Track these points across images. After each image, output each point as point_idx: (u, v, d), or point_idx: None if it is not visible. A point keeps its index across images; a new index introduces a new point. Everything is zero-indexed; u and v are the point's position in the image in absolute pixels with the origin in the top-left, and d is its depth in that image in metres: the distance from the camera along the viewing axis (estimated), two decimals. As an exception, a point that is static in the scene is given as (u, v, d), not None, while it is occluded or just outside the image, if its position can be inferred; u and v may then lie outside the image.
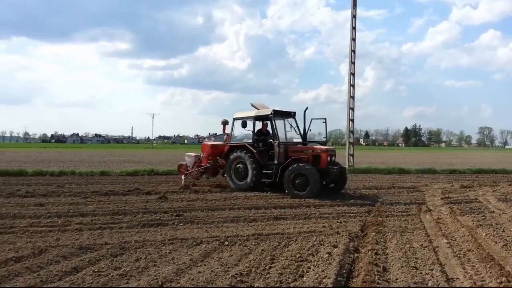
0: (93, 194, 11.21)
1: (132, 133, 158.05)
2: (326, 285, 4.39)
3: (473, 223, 8.17)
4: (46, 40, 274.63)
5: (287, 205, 10.10)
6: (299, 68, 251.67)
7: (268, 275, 4.79)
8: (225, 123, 13.82)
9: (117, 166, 21.51)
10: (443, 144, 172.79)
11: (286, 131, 13.59)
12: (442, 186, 14.82)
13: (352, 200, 10.98)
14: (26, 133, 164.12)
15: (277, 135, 12.41)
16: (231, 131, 13.41)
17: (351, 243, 6.39)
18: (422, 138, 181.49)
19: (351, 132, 21.63)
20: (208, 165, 13.86)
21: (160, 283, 4.44)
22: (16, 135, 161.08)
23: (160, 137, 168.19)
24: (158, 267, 5.06)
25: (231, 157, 12.90)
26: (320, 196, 11.17)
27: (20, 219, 7.80)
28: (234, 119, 13.26)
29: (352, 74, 21.38)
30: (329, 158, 11.92)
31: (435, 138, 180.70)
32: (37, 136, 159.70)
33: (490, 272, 5.06)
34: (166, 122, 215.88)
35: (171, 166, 20.10)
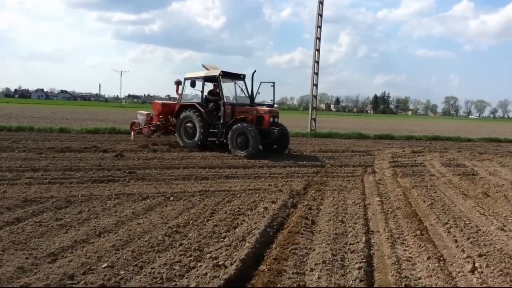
0: (48, 150, 11.15)
1: (99, 90, 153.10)
2: (254, 234, 4.76)
3: (410, 184, 8.79)
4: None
5: (241, 165, 10.43)
6: (274, 30, 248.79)
7: (204, 227, 5.12)
8: (178, 83, 13.97)
9: (79, 124, 21.18)
10: (409, 112, 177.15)
11: (236, 93, 13.85)
12: (394, 151, 15.53)
13: (304, 162, 11.44)
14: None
15: (223, 95, 12.79)
16: (182, 90, 13.67)
17: (291, 199, 6.80)
18: (390, 106, 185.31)
19: (314, 97, 21.98)
20: (158, 123, 14.07)
21: (98, 233, 4.69)
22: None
23: (129, 96, 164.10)
24: (99, 219, 5.29)
25: (181, 116, 13.29)
26: (265, 157, 11.86)
27: (-32, 172, 7.77)
28: (185, 79, 13.48)
29: (318, 38, 21.45)
30: (271, 119, 12.42)
31: (402, 106, 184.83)
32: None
33: (410, 227, 5.57)
34: (136, 80, 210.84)
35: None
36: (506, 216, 6.38)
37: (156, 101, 15.97)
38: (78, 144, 12.83)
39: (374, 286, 3.71)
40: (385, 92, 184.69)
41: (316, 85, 21.64)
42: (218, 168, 9.90)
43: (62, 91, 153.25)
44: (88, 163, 9.50)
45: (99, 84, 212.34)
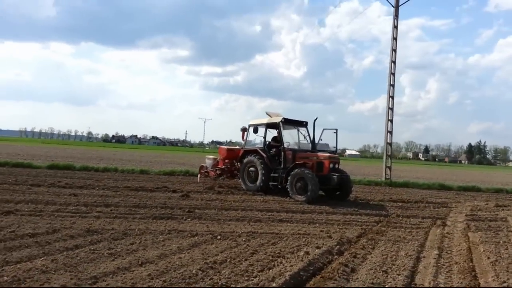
0: (124, 189, 12.19)
1: (186, 136, 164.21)
2: (285, 276, 4.74)
3: (479, 239, 8.03)
4: (113, 45, 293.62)
5: (299, 210, 10.41)
6: (356, 78, 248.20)
7: (240, 265, 5.22)
8: (244, 129, 14.53)
9: (161, 166, 22.76)
10: (510, 163, 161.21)
11: (299, 139, 14.06)
12: (475, 204, 14.28)
13: (367, 210, 11.05)
14: (89, 133, 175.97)
15: (283, 141, 13.15)
16: (246, 136, 14.27)
17: (338, 246, 6.61)
18: (487, 156, 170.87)
19: (389, 144, 21.29)
20: (224, 167, 14.72)
21: (140, 263, 5.04)
22: (80, 134, 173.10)
23: (213, 141, 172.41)
24: (146, 251, 5.67)
25: (244, 160, 13.81)
26: (325, 203, 11.74)
27: (51, 205, 8.82)
28: (249, 125, 14.13)
29: (392, 85, 21.12)
30: (331, 165, 12.47)
31: (501, 156, 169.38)
32: (99, 136, 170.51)
33: (460, 283, 5.12)
34: (219, 127, 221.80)
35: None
36: None
37: (222, 146, 16.80)
38: (151, 184, 13.83)
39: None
40: (480, 141, 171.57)
41: (390, 132, 21.03)
42: (276, 211, 9.99)
43: (153, 137, 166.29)
44: (155, 201, 10.20)
45: (186, 131, 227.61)
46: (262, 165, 13.16)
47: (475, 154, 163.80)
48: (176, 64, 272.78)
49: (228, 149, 15.40)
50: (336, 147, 13.81)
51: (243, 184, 13.91)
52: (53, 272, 4.46)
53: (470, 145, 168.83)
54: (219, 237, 6.82)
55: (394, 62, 21.25)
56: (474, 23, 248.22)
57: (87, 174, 16.38)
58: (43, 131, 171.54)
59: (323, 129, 13.35)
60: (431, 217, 10.71)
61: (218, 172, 15.15)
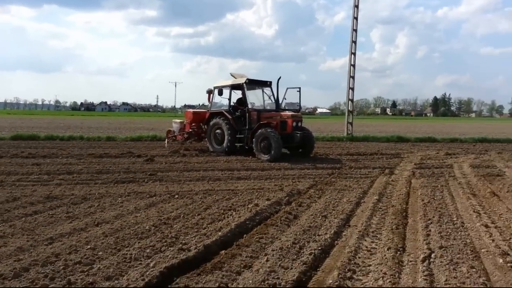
0: (89, 156, 12.32)
1: (157, 101, 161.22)
2: (230, 225, 5.22)
3: (420, 185, 8.77)
4: (76, 7, 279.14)
5: (259, 168, 10.90)
6: (328, 35, 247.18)
7: (192, 219, 5.66)
8: (209, 92, 14.65)
9: (131, 133, 22.69)
10: (473, 115, 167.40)
11: (264, 99, 14.36)
12: (427, 154, 15.19)
13: (323, 164, 11.66)
14: (57, 101, 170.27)
15: (247, 102, 13.42)
16: (212, 99, 14.37)
17: (287, 198, 7.15)
18: (452, 108, 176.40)
19: (351, 100, 21.92)
20: (190, 130, 14.97)
21: (96, 223, 5.40)
22: (48, 103, 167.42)
23: (185, 105, 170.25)
24: (104, 212, 6.02)
25: (211, 123, 14.08)
26: (291, 160, 12.20)
27: (13, 175, 8.92)
28: (214, 88, 14.22)
29: (354, 42, 21.45)
30: (295, 124, 12.80)
31: (465, 108, 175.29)
32: (67, 104, 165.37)
33: (391, 223, 5.74)
34: (192, 90, 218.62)
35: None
36: (501, 214, 6.30)
37: (188, 110, 16.94)
38: (117, 150, 13.96)
39: (318, 269, 4.03)
40: (445, 94, 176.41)
41: (352, 89, 21.59)
42: (236, 170, 10.42)
43: (123, 103, 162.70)
44: (118, 167, 10.43)
45: (157, 96, 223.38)
46: (227, 127, 13.43)
47: (440, 106, 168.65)
48: (145, 25, 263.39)
49: (194, 112, 15.56)
50: (300, 105, 14.18)
51: (210, 146, 14.23)
52: (11, 237, 4.76)
53: (435, 98, 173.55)
54: (176, 196, 7.23)
55: (356, 18, 21.48)
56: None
57: (52, 143, 16.26)
58: (8, 101, 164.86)
59: (287, 88, 13.71)
60: (381, 167, 11.43)
61: (185, 135, 15.35)
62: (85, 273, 3.73)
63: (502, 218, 6.04)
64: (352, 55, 21.47)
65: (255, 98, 14.48)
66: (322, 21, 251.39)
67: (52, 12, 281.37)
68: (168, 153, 13.45)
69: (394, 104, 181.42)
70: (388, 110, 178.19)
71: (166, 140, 15.52)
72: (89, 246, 4.43)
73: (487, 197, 7.55)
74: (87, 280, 3.57)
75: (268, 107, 14.32)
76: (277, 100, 13.80)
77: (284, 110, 13.75)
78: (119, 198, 6.96)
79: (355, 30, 21.60)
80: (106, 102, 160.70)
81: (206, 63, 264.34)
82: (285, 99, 13.97)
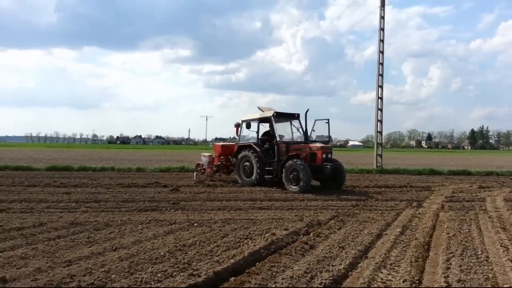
0: (116, 186, 12.69)
1: (189, 134, 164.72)
2: (244, 254, 5.20)
3: (448, 218, 8.45)
4: (115, 48, 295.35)
5: (281, 198, 10.85)
6: (358, 69, 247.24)
7: (207, 247, 5.68)
8: (237, 125, 14.85)
9: (159, 164, 23.21)
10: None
11: (292, 131, 14.41)
12: (459, 187, 14.66)
13: (349, 196, 11.46)
14: (94, 135, 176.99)
15: (276, 134, 13.45)
16: (240, 132, 14.57)
17: (306, 228, 7.05)
18: (491, 141, 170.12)
19: (379, 133, 21.66)
20: (219, 163, 15.07)
21: (114, 248, 5.52)
22: (86, 137, 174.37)
23: (216, 138, 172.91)
24: (123, 238, 6.14)
25: (239, 156, 14.14)
26: (317, 191, 12.05)
27: (43, 203, 9.32)
28: (242, 121, 14.39)
29: (381, 75, 21.44)
30: (324, 155, 12.63)
31: (504, 140, 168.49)
32: (104, 138, 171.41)
33: (412, 255, 5.54)
34: (223, 124, 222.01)
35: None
36: (532, 248, 5.96)
37: (216, 143, 17.17)
38: (144, 181, 14.31)
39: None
40: (483, 126, 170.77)
41: (380, 121, 21.39)
42: (259, 200, 10.41)
43: (157, 137, 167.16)
44: (144, 196, 10.68)
45: (189, 129, 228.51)
46: (256, 159, 13.43)
47: (478, 139, 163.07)
48: (179, 63, 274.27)
49: (223, 146, 15.74)
50: (329, 137, 13.98)
51: (239, 179, 14.16)
52: (32, 258, 4.95)
53: (472, 131, 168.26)
54: (195, 224, 7.29)
55: (382, 52, 21.57)
56: (474, 8, 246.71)
57: (84, 174, 16.90)
58: (49, 135, 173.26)
59: (315, 120, 13.61)
60: (409, 200, 11.10)
61: (214, 168, 15.50)
62: (96, 295, 3.81)
63: (532, 253, 5.71)
64: (379, 88, 21.40)
65: (283, 131, 14.54)
66: (351, 56, 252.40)
67: (92, 53, 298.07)
68: (194, 183, 13.64)
69: (429, 137, 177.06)
70: (423, 143, 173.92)
71: (195, 173, 15.61)
72: (103, 269, 4.54)
73: (519, 231, 7.16)
74: (96, 302, 3.64)
75: (298, 139, 14.34)
76: (305, 132, 13.80)
77: (314, 142, 13.72)
78: (140, 225, 7.10)
79: (381, 64, 21.64)
80: (140, 136, 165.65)
81: (237, 97, 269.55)
82: (314, 131, 13.92)
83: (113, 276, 4.37)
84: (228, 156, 15.30)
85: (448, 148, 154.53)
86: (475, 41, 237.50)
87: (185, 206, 9.27)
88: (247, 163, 13.95)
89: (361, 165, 24.45)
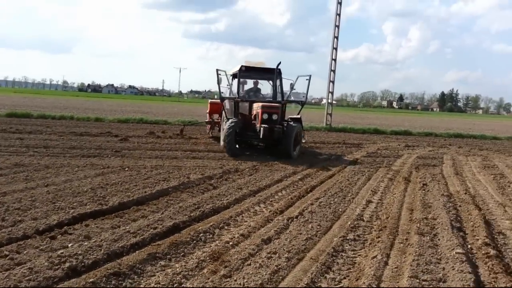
0: (70, 134, 13.57)
1: (163, 86, 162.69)
2: (152, 191, 6.41)
3: (350, 170, 9.89)
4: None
5: (220, 150, 11.97)
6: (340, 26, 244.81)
7: (126, 186, 6.83)
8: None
9: (121, 115, 23.87)
10: (480, 111, 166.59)
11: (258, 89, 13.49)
12: (387, 145, 16.22)
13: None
14: (65, 82, 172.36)
15: (233, 91, 12.63)
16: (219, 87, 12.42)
17: (221, 174, 8.29)
18: (459, 104, 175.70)
19: (331, 93, 22.94)
20: (210, 120, 15.05)
21: (46, 184, 6.61)
22: (56, 83, 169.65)
23: (191, 91, 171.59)
24: (57, 178, 7.22)
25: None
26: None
27: (-6, 147, 10.20)
28: (218, 73, 12.10)
29: (336, 37, 22.37)
30: (265, 116, 11.19)
31: (472, 104, 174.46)
32: (75, 85, 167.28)
33: (294, 195, 6.89)
34: (200, 76, 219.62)
35: (169, 117, 22.57)
36: (395, 196, 7.43)
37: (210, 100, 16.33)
38: (98, 130, 15.19)
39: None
40: (453, 89, 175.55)
41: (332, 82, 22.58)
42: (197, 151, 11.56)
43: (130, 86, 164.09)
44: (92, 144, 11.65)
45: (163, 80, 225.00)
46: (223, 117, 12.79)
47: (447, 102, 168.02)
48: (157, 9, 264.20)
49: (211, 103, 15.11)
50: (307, 94, 12.88)
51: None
52: (-27, 190, 6.00)
53: (442, 93, 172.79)
54: (126, 169, 8.41)
55: (339, 15, 22.37)
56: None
57: (42, 121, 17.56)
58: (17, 79, 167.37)
59: (298, 76, 12.42)
60: (332, 154, 12.59)
61: (208, 126, 15.46)
62: (19, 215, 4.95)
63: (388, 198, 7.16)
64: (334, 50, 22.40)
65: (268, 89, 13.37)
66: (334, 12, 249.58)
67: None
68: (144, 134, 14.64)
69: (401, 98, 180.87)
70: (394, 103, 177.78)
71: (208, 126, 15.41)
72: (31, 199, 5.65)
73: (399, 182, 8.63)
74: (17, 219, 4.79)
75: (260, 97, 13.02)
76: (274, 90, 12.74)
77: (267, 101, 12.35)
78: (76, 168, 8.16)
79: (338, 26, 22.52)
80: (113, 85, 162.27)
81: (215, 49, 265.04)
82: (294, 89, 12.67)
83: (37, 204, 5.49)
84: (218, 113, 14.25)
85: (418, 110, 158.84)
86: (457, 3, 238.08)
87: (126, 154, 10.34)
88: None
89: (314, 123, 25.85)
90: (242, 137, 11.77)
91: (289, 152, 11.22)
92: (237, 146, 11.53)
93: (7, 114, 19.10)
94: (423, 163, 11.56)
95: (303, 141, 13.17)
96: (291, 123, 11.81)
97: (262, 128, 11.07)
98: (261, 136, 11.22)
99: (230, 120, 11.59)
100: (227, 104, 12.64)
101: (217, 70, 11.95)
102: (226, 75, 12.21)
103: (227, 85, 12.62)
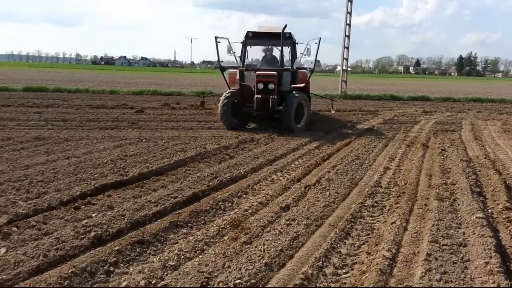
0: (86, 107, 13.70)
1: (175, 57, 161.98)
2: (170, 162, 6.49)
3: (368, 136, 9.82)
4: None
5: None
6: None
7: (145, 156, 6.93)
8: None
9: (136, 87, 23.92)
10: (499, 75, 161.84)
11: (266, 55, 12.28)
12: (406, 111, 15.98)
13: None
14: (77, 55, 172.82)
15: (237, 59, 11.95)
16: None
17: (237, 144, 8.34)
18: (478, 68, 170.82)
19: (345, 59, 22.45)
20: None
21: (67, 157, 6.75)
22: (69, 57, 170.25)
23: (204, 61, 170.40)
24: (77, 150, 7.35)
25: None
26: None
27: (15, 121, 10.38)
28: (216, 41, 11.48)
29: (350, 0, 21.69)
30: (261, 86, 10.49)
31: (491, 67, 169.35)
32: (88, 58, 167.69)
33: (312, 163, 6.90)
34: (212, 46, 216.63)
35: (182, 89, 22.50)
36: (413, 162, 7.37)
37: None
38: (114, 103, 15.28)
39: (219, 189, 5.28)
40: (471, 53, 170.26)
41: (347, 48, 22.08)
42: (212, 122, 11.57)
43: (142, 58, 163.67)
44: (109, 117, 11.76)
45: (174, 51, 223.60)
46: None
47: (465, 66, 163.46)
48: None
49: (230, 73, 12.51)
50: (316, 59, 11.79)
51: None
52: (-4, 164, 6.17)
53: (460, 57, 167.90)
54: (144, 140, 8.50)
55: (353, -24, 21.57)
56: None
57: (58, 95, 17.73)
58: (31, 54, 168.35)
59: (308, 41, 11.40)
60: (349, 121, 12.46)
61: None
62: (42, 187, 5.08)
63: (406, 164, 7.12)
64: (348, 14, 21.77)
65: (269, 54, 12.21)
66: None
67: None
68: (159, 106, 14.69)
69: (418, 63, 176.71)
70: (411, 68, 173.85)
71: None
72: (53, 171, 5.79)
73: (417, 148, 8.53)
74: (41, 191, 4.92)
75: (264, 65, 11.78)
76: (281, 56, 11.64)
77: (266, 69, 11.19)
78: (95, 140, 8.29)
79: (353, -12, 21.74)
80: (125, 57, 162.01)
81: (226, 18, 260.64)
82: (305, 55, 11.55)
83: (59, 176, 5.62)
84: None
85: (435, 74, 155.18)
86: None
87: (142, 126, 10.43)
88: None
89: (329, 91, 25.48)
90: (242, 109, 11.03)
91: (290, 125, 10.28)
92: (235, 120, 10.80)
93: (23, 88, 19.32)
94: (441, 129, 11.38)
95: (332, 111, 12.88)
96: (294, 92, 10.75)
97: (255, 99, 10.42)
98: (255, 108, 10.52)
99: (227, 91, 11.05)
100: (226, 74, 11.95)
101: (215, 37, 11.31)
102: (229, 42, 11.52)
103: (231, 53, 11.87)
